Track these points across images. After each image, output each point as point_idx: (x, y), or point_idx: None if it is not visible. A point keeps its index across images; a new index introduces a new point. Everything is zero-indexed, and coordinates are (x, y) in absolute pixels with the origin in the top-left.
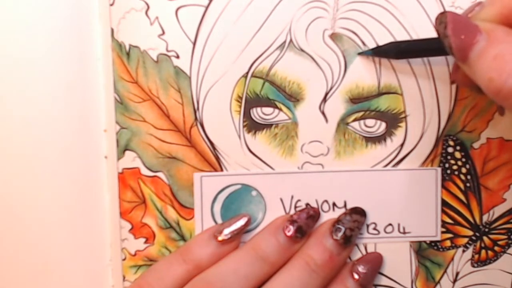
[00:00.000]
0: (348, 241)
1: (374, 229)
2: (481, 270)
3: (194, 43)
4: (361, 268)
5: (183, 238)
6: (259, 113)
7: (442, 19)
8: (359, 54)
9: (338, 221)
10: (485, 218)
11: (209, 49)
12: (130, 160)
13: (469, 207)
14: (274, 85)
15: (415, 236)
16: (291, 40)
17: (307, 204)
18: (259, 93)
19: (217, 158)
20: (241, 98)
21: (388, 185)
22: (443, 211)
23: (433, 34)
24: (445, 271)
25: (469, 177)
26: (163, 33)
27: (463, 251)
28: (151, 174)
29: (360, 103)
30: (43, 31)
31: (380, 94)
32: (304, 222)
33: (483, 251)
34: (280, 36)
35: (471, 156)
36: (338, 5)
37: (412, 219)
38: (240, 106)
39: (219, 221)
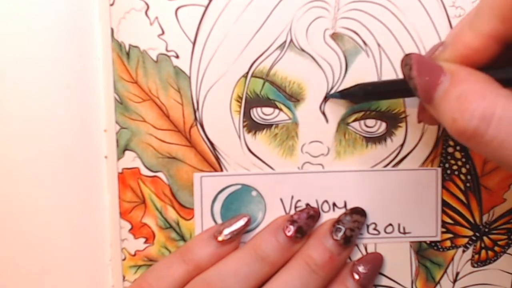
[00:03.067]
0: (348, 241)
1: (374, 229)
2: (481, 270)
3: (194, 43)
4: (361, 268)
5: (183, 238)
6: (259, 113)
7: (407, 61)
8: (328, 97)
9: (338, 221)
10: (485, 218)
11: (209, 49)
12: (130, 160)
13: (469, 207)
14: (274, 85)
15: (415, 236)
16: (291, 40)
17: (307, 204)
18: (259, 93)
19: (217, 158)
20: (241, 98)
21: (388, 185)
22: (443, 211)
23: (434, 35)
24: (445, 271)
25: (469, 177)
26: (163, 33)
27: (463, 251)
28: (151, 174)
29: (361, 103)
30: (43, 31)
31: None
32: (304, 222)
33: (483, 251)
34: (281, 36)
35: (471, 156)
36: (339, 5)
37: (412, 219)
38: (240, 106)
39: (219, 221)
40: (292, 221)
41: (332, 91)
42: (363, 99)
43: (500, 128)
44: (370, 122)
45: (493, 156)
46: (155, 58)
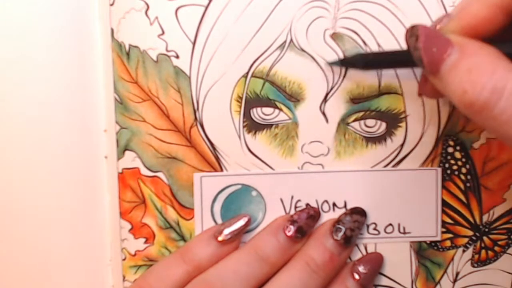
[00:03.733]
0: (348, 241)
1: (374, 229)
2: (481, 270)
3: (194, 43)
4: (361, 268)
5: (183, 238)
6: (259, 113)
7: (414, 32)
8: (329, 63)
9: (338, 221)
10: (485, 218)
11: (209, 49)
12: (130, 160)
13: (469, 207)
14: (274, 85)
15: (415, 236)
16: (291, 40)
17: (307, 204)
18: (259, 93)
19: (217, 158)
20: (241, 98)
21: (388, 185)
22: (443, 211)
23: None
24: (445, 271)
25: (469, 177)
26: (163, 33)
27: (463, 251)
28: (151, 174)
29: (361, 103)
30: (43, 31)
31: (380, 94)
32: (304, 222)
33: (483, 251)
34: (281, 36)
35: (471, 156)
36: (339, 5)
37: (412, 219)
38: (240, 106)
39: (219, 221)
40: (292, 221)
41: (332, 91)
42: (362, 67)
43: (510, 102)
44: (370, 122)
45: (500, 131)
46: (155, 58)
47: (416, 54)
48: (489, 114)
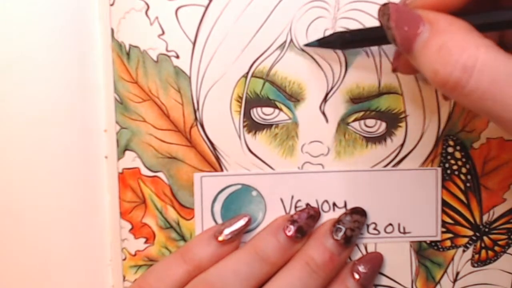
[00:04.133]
0: (348, 241)
1: (374, 229)
2: (481, 270)
3: (194, 43)
4: (361, 268)
5: (183, 238)
6: (259, 113)
7: (385, 11)
8: (305, 45)
9: (338, 221)
10: (485, 218)
11: (209, 49)
12: (130, 160)
13: (469, 207)
14: (274, 85)
15: (415, 236)
16: (291, 40)
17: (307, 204)
18: (259, 93)
19: (217, 158)
20: (241, 98)
21: (388, 185)
22: (443, 211)
23: None
24: (445, 271)
25: (469, 177)
26: (163, 33)
27: (463, 251)
28: (151, 174)
29: (361, 103)
30: (43, 31)
31: (380, 94)
32: (304, 222)
33: (483, 251)
34: (281, 36)
35: (471, 156)
36: (339, 5)
37: (412, 219)
38: (240, 106)
39: (219, 221)
40: (293, 221)
41: (332, 91)
42: (340, 47)
43: (481, 79)
44: (370, 122)
45: (475, 107)
46: (155, 58)
47: (389, 33)
48: (462, 92)
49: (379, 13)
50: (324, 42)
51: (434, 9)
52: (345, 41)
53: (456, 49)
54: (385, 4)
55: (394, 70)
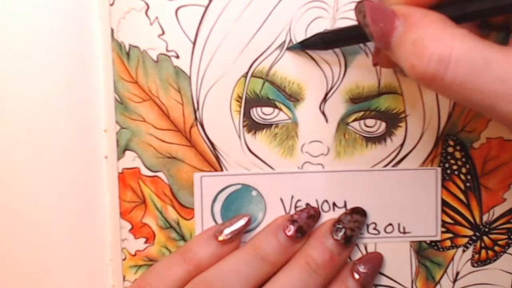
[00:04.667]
0: (348, 241)
1: (374, 229)
2: (481, 270)
3: (194, 43)
4: (361, 268)
5: (183, 238)
6: (259, 113)
7: (361, 8)
8: (288, 49)
9: (338, 221)
10: (485, 218)
11: (209, 49)
12: (130, 160)
13: (469, 207)
14: (274, 85)
15: (415, 236)
16: (290, 40)
17: (307, 204)
18: (259, 93)
19: (217, 158)
20: (241, 98)
21: (388, 185)
22: (443, 211)
23: None
24: (445, 271)
25: (469, 177)
26: (163, 33)
27: (463, 251)
28: (151, 174)
29: (360, 103)
30: (43, 31)
31: (380, 94)
32: (304, 222)
33: (483, 251)
34: (280, 36)
35: (471, 156)
36: (338, 5)
37: (412, 219)
38: (240, 106)
39: (219, 221)
40: (292, 221)
41: (332, 91)
42: (323, 47)
43: (458, 69)
44: (370, 122)
45: (457, 97)
46: (155, 58)
47: (367, 30)
48: (442, 84)
49: (355, 10)
50: (306, 44)
51: (411, 5)
52: (327, 41)
53: (430, 41)
54: (360, 1)
55: (375, 65)
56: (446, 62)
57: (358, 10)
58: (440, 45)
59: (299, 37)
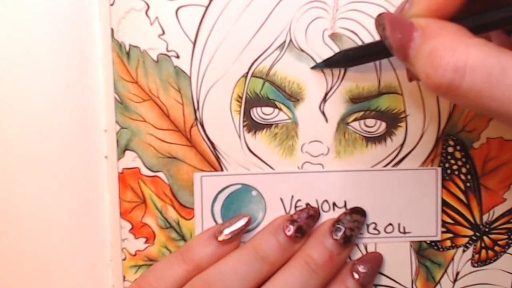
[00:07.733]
0: (348, 241)
1: (374, 229)
2: (481, 270)
3: (194, 43)
4: (361, 268)
5: (183, 238)
6: (259, 113)
7: (381, 21)
8: (312, 68)
9: (338, 221)
10: (485, 218)
11: (209, 49)
12: (130, 160)
13: (469, 207)
14: (274, 85)
15: (415, 236)
16: (291, 40)
17: (307, 204)
18: (259, 93)
19: (217, 158)
20: (241, 98)
21: (388, 185)
22: (443, 211)
23: None
24: (445, 271)
25: (469, 177)
26: (163, 33)
27: (463, 251)
28: (151, 174)
29: (360, 103)
30: (43, 31)
31: (380, 94)
32: (304, 222)
33: (483, 251)
34: (280, 36)
35: (471, 156)
36: (338, 5)
37: (412, 219)
38: (240, 106)
39: (219, 221)
40: (292, 221)
41: (332, 91)
42: (346, 65)
43: (474, 77)
44: (370, 121)
45: (473, 106)
46: (155, 58)
47: (387, 43)
48: (458, 93)
49: (375, 23)
50: (330, 63)
51: (430, 17)
52: (349, 59)
53: (445, 51)
54: (380, 14)
55: (411, 80)
56: (462, 71)
57: (378, 23)
58: (455, 54)
59: (299, 37)
